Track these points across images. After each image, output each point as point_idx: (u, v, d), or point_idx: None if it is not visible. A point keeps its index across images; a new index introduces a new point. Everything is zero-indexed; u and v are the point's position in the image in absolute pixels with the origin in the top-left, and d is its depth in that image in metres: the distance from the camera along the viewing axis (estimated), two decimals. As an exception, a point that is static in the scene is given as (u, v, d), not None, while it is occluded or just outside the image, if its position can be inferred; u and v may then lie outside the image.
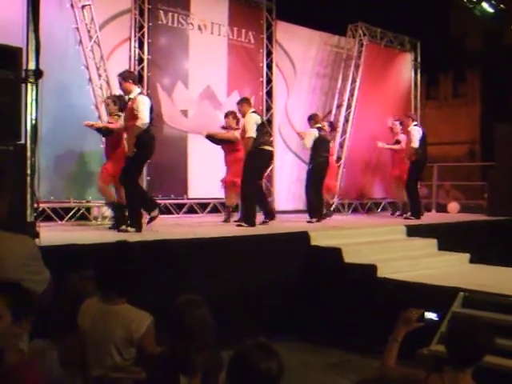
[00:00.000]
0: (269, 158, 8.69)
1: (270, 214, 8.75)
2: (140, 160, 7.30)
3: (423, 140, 10.25)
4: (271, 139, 9.11)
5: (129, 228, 7.07)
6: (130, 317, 3.17)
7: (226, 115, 9.16)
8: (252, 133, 8.29)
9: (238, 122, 9.03)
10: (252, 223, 8.19)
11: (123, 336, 3.10)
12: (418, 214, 10.17)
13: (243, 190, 8.44)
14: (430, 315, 3.52)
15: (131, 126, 7.08)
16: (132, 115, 7.09)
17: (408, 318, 3.43)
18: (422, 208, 10.63)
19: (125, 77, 7.31)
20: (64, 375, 3.16)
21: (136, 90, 7.28)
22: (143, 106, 7.06)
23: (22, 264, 2.43)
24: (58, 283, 3.03)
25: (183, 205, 10.18)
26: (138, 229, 7.04)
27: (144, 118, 7.04)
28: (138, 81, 9.36)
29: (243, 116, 8.62)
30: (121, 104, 7.68)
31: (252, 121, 8.38)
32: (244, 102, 8.71)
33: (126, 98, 7.38)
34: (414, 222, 9.73)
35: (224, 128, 9.12)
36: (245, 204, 8.60)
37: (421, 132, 10.25)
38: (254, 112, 8.56)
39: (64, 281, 3.46)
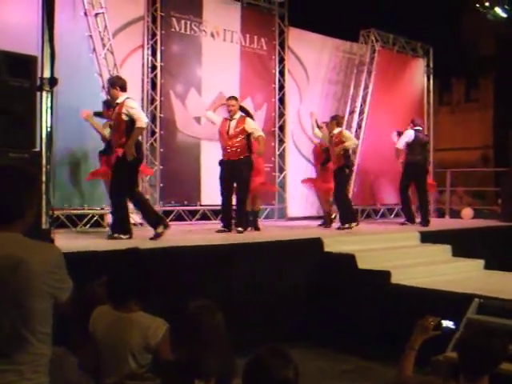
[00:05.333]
0: None
1: None
2: (137, 164, 7.13)
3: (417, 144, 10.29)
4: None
5: (121, 235, 6.92)
6: (146, 323, 3.18)
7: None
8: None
9: None
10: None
11: (140, 343, 3.11)
12: (411, 220, 10.26)
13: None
14: (447, 323, 3.50)
15: (123, 130, 6.92)
16: (120, 120, 6.94)
17: (425, 326, 3.41)
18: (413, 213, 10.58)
19: (113, 83, 7.21)
20: (82, 381, 3.17)
21: (124, 96, 7.14)
22: (136, 108, 7.00)
23: (49, 271, 2.47)
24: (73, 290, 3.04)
25: (196, 211, 10.19)
26: (130, 235, 7.00)
27: (143, 116, 7.03)
28: (152, 88, 9.46)
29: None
30: None
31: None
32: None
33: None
34: (427, 228, 9.70)
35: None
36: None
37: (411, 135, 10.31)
38: None
39: (78, 288, 3.47)
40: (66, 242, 6.59)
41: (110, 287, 3.31)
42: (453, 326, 3.56)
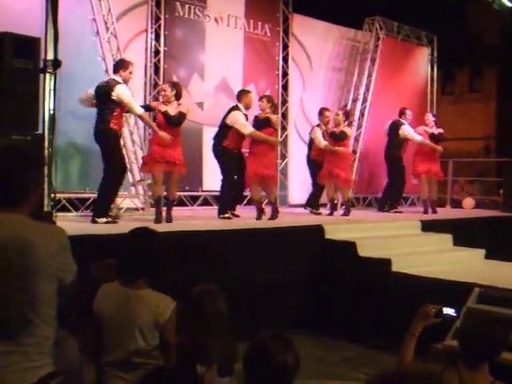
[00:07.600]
0: None
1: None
2: None
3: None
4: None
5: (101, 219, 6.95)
6: (156, 301, 3.17)
7: (261, 98, 8.83)
8: None
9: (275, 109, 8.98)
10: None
11: (150, 320, 3.10)
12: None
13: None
14: (448, 311, 3.49)
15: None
16: None
17: (426, 313, 3.42)
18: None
19: None
20: (82, 363, 3.18)
21: None
22: None
23: (56, 254, 2.46)
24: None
25: (198, 197, 10.19)
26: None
27: None
28: (155, 73, 9.43)
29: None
30: (177, 90, 7.56)
31: None
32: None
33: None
34: (428, 216, 9.72)
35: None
36: None
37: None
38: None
39: (80, 271, 3.47)
40: (68, 224, 6.60)
41: (121, 264, 3.29)
42: (454, 314, 3.55)
